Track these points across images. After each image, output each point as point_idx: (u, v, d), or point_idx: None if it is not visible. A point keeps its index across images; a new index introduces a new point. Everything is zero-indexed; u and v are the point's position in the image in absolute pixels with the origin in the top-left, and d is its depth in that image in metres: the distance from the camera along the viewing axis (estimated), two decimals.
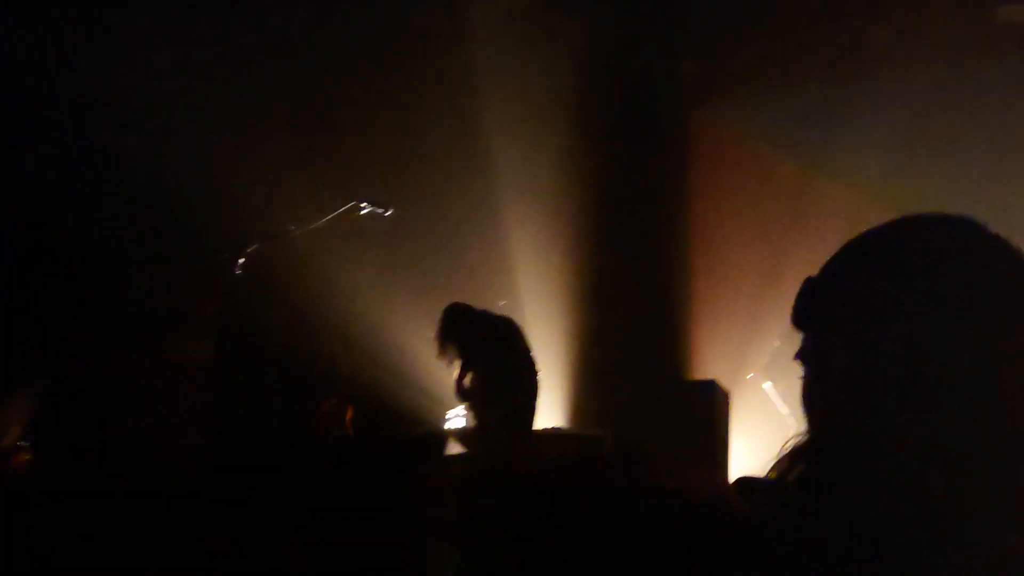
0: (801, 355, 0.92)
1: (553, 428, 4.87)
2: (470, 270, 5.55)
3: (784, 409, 5.34)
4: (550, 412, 5.09)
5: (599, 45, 5.96)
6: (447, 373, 5.38)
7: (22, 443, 2.14)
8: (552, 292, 5.62)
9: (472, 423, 4.33)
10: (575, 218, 5.79)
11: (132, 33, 4.72)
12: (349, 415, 4.63)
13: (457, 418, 5.53)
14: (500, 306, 4.59)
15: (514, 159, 5.75)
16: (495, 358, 4.09)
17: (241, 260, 3.78)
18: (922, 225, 0.91)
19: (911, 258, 0.88)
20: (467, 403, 4.27)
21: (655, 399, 3.90)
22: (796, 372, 4.01)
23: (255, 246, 3.87)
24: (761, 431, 5.44)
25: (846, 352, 0.89)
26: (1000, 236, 0.90)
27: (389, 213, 3.77)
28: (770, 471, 0.86)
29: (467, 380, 4.23)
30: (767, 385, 5.42)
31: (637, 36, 6.03)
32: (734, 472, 4.09)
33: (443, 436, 3.28)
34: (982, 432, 0.76)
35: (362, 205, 3.73)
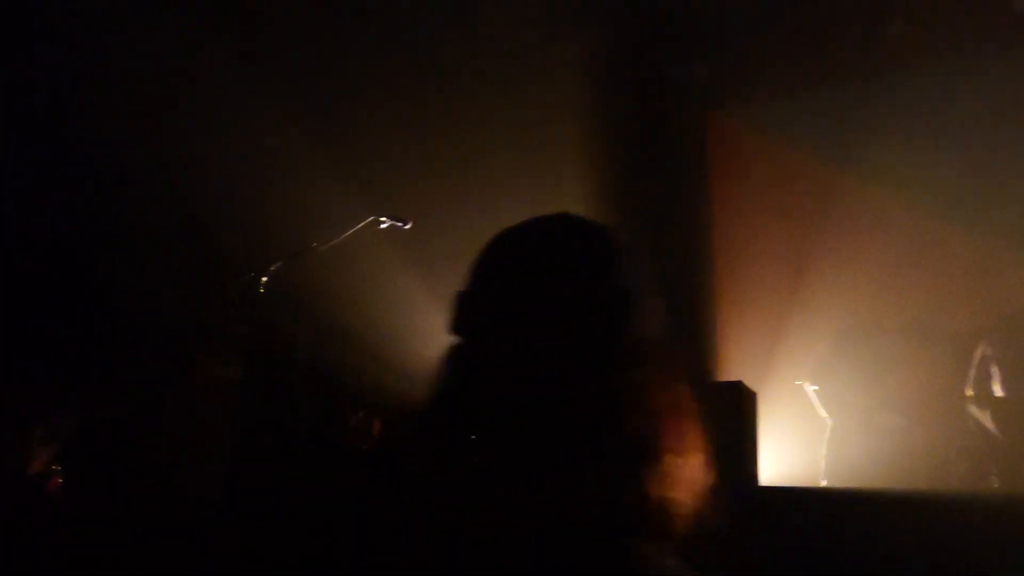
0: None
1: None
2: None
3: (823, 412, 5.33)
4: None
5: (615, 51, 5.97)
6: None
7: (55, 467, 2.18)
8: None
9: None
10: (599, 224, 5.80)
11: (154, 59, 4.81)
12: (377, 428, 4.68)
13: None
14: None
15: (537, 168, 5.77)
16: None
17: (265, 279, 3.83)
18: (516, 232, 0.97)
19: (494, 265, 0.95)
20: None
21: None
22: (838, 377, 3.99)
23: (279, 264, 3.92)
24: (790, 431, 5.41)
25: (450, 354, 0.96)
26: (599, 227, 0.98)
27: (409, 226, 3.81)
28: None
29: None
30: (809, 388, 5.41)
31: (653, 41, 6.03)
32: (764, 471, 4.06)
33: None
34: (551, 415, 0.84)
35: (382, 219, 3.77)
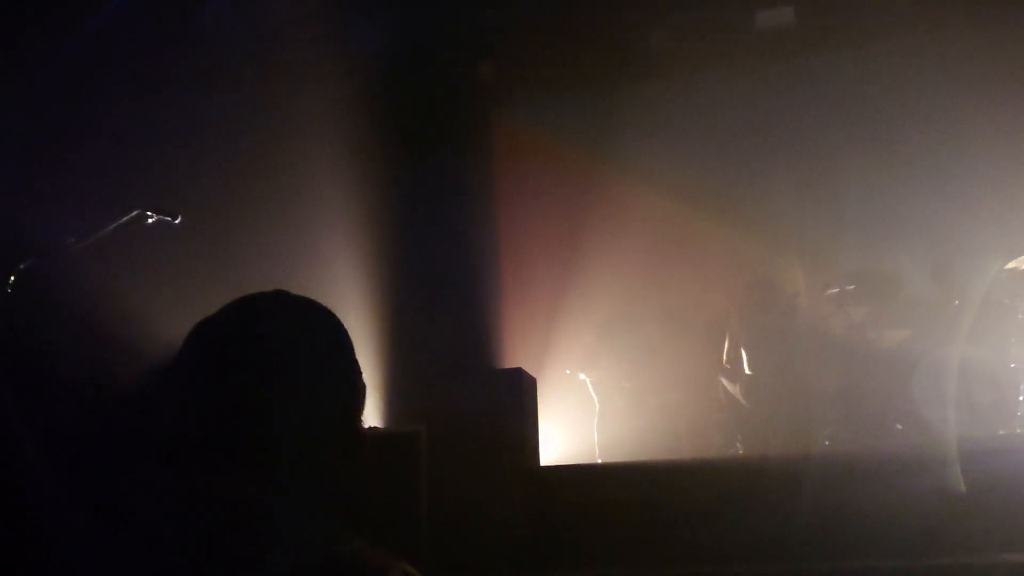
0: None
1: (370, 427, 4.88)
2: (273, 276, 5.41)
3: (596, 399, 5.71)
4: (366, 411, 5.10)
5: (399, 48, 6.00)
6: None
7: None
8: (360, 292, 5.61)
9: None
10: (381, 219, 5.81)
11: None
12: None
13: None
14: None
15: (316, 164, 5.67)
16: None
17: (12, 278, 3.46)
18: (233, 305, 1.16)
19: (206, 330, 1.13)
20: None
21: (465, 389, 4.01)
22: (607, 363, 4.28)
23: (29, 262, 3.55)
24: (567, 414, 5.77)
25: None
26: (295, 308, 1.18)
27: (178, 221, 3.60)
28: None
29: None
30: (580, 375, 5.77)
31: (436, 39, 6.13)
32: (544, 454, 4.30)
33: None
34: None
35: (148, 214, 3.54)
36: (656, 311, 5.86)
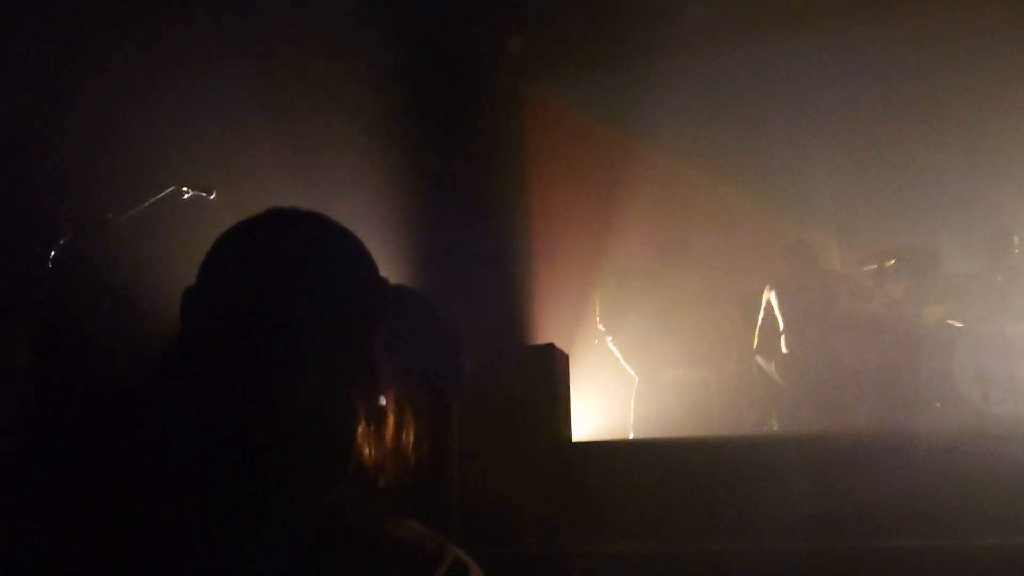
0: None
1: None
2: None
3: (630, 369, 5.68)
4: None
5: (431, 23, 5.97)
6: None
7: None
8: (390, 269, 5.62)
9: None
10: (411, 194, 5.81)
11: None
12: None
13: None
14: None
15: (346, 140, 5.67)
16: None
17: (53, 253, 3.53)
18: (237, 231, 0.99)
19: (218, 261, 0.98)
20: None
21: (497, 366, 4.01)
22: (635, 332, 4.22)
23: (69, 236, 3.62)
24: (599, 388, 5.75)
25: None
26: (333, 234, 1.01)
27: (214, 196, 3.65)
28: None
29: None
30: (610, 341, 5.73)
31: (467, 14, 6.08)
32: (577, 429, 4.30)
33: None
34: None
35: (184, 189, 3.58)
36: (688, 285, 5.78)
